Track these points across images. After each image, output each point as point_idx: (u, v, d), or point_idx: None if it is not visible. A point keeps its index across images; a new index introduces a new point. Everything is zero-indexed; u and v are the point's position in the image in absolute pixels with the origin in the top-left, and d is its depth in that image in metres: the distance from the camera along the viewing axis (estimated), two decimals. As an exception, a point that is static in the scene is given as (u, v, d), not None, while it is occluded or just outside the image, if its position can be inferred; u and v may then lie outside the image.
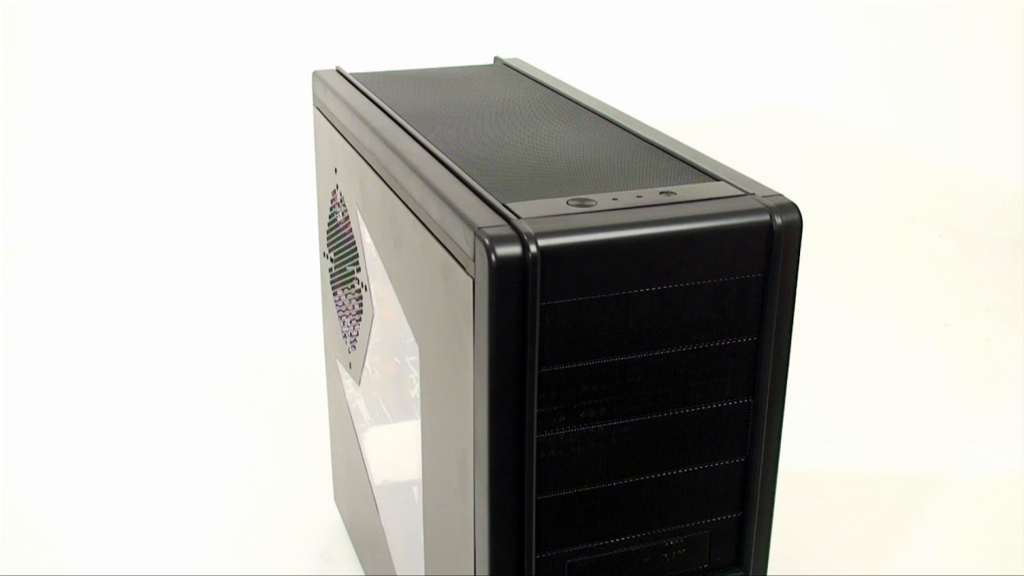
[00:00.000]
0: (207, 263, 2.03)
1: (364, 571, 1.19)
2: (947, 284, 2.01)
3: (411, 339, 0.87)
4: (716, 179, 0.78)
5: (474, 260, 0.69)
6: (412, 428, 0.90)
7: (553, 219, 0.70)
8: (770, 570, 0.84)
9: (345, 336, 1.11)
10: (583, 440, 0.73)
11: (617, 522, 0.76)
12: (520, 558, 0.74)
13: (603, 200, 0.73)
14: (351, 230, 1.03)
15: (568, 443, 0.73)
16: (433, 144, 0.86)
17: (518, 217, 0.70)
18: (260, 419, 1.52)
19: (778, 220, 0.73)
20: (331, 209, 1.10)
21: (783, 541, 1.01)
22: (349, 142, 1.00)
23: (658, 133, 0.90)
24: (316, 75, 1.12)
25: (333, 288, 1.14)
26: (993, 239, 2.20)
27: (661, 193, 0.75)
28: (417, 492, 0.91)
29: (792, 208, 0.74)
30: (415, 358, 0.87)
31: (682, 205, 0.73)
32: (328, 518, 1.29)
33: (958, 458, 1.45)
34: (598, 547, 0.76)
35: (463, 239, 0.71)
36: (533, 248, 0.67)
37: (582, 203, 0.73)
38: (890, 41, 2.68)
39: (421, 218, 0.80)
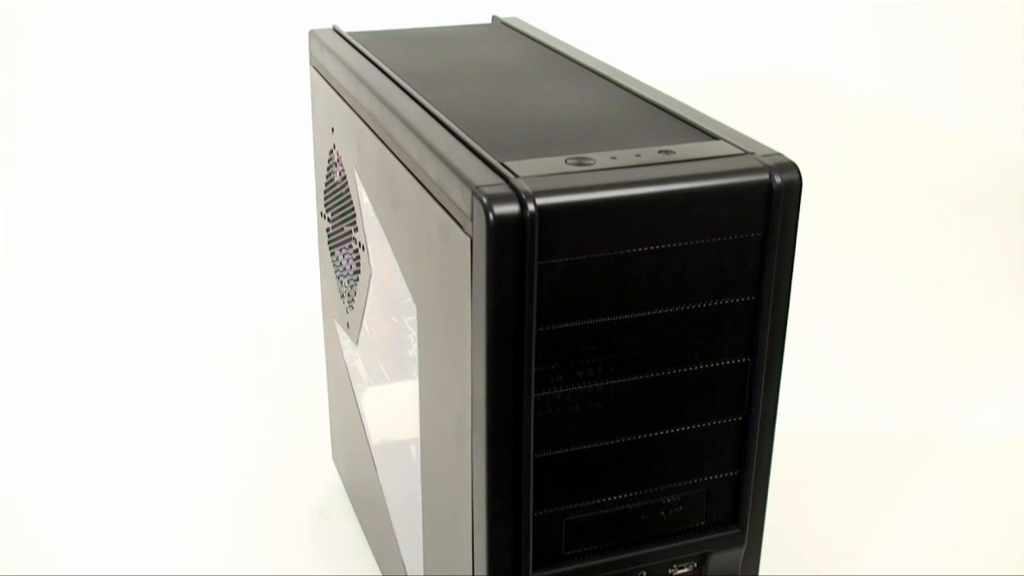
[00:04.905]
0: (204, 224, 2.02)
1: (363, 529, 1.20)
2: (944, 245, 2.01)
3: (409, 299, 0.87)
4: (715, 138, 0.78)
5: (472, 219, 0.69)
6: (410, 388, 0.90)
7: (551, 178, 0.70)
8: (766, 528, 0.85)
9: (343, 296, 1.11)
10: (581, 399, 0.73)
11: (614, 480, 0.76)
12: (518, 516, 0.74)
13: (602, 159, 0.73)
14: (348, 190, 1.03)
15: (566, 402, 0.73)
16: (431, 103, 0.85)
17: (516, 176, 0.70)
18: (258, 379, 1.52)
19: (777, 179, 0.72)
20: (328, 169, 1.10)
21: (780, 500, 1.02)
22: (346, 101, 0.99)
23: (657, 92, 0.90)
24: (313, 34, 1.11)
25: (331, 248, 1.13)
26: (991, 200, 2.19)
27: (660, 152, 0.75)
28: (415, 451, 0.91)
29: (792, 167, 0.73)
30: (413, 318, 0.87)
31: (681, 164, 0.73)
32: (326, 477, 1.29)
33: (954, 419, 1.46)
34: (596, 505, 0.76)
35: (461, 198, 0.71)
36: (531, 207, 0.67)
37: (580, 162, 0.73)
38: (888, 2, 2.66)
39: (419, 177, 0.80)
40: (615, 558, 0.78)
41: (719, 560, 0.82)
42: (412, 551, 0.97)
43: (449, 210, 0.73)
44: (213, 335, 1.64)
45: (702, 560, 0.82)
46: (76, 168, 2.18)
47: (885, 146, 2.43)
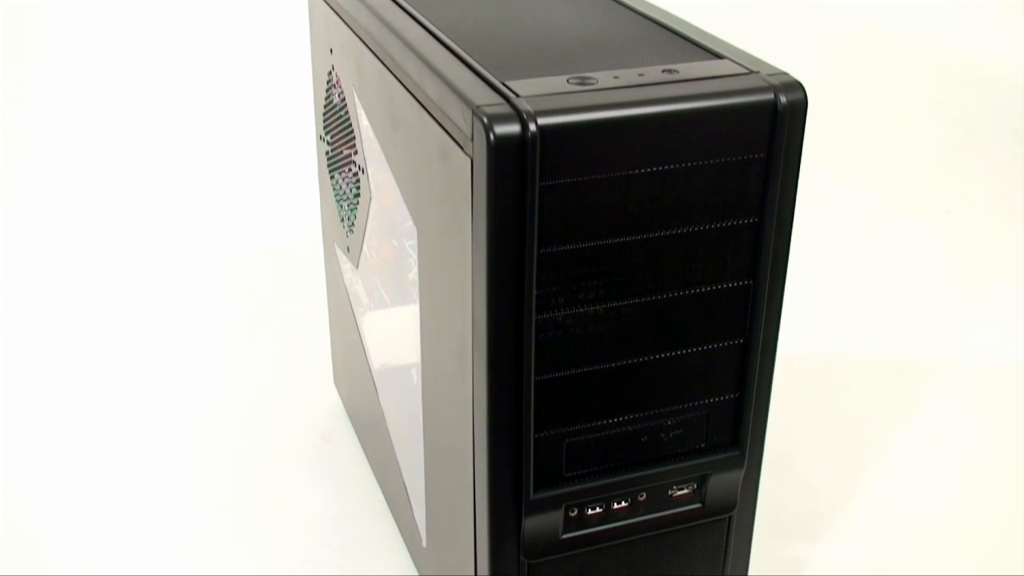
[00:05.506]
0: (204, 149, 2.01)
1: (364, 451, 1.20)
2: (949, 170, 1.99)
3: (409, 222, 0.86)
4: (720, 57, 0.77)
5: (472, 139, 0.68)
6: (411, 311, 0.90)
7: (553, 97, 0.69)
8: (766, 451, 0.85)
9: (343, 220, 1.10)
10: (582, 321, 0.73)
11: (615, 402, 0.76)
12: (519, 437, 0.74)
13: (604, 78, 0.72)
14: (347, 112, 1.02)
15: (567, 324, 0.73)
16: (431, 22, 0.84)
17: (517, 95, 0.69)
18: (259, 303, 1.52)
19: (783, 99, 0.71)
20: (327, 91, 1.08)
21: (780, 423, 1.02)
22: (345, 21, 0.97)
23: (661, 11, 0.88)
24: (310, -49, 1.09)
25: (330, 171, 1.12)
26: (995, 125, 2.18)
27: (663, 71, 0.74)
28: (416, 374, 0.91)
29: (797, 87, 0.72)
30: (413, 242, 0.86)
31: (685, 83, 0.72)
32: (328, 400, 1.30)
33: (956, 344, 1.46)
34: (596, 427, 0.77)
35: (461, 118, 0.70)
36: (532, 127, 0.66)
37: (583, 81, 0.71)
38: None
39: (418, 98, 0.78)
40: (615, 479, 0.79)
41: (718, 482, 0.83)
42: (413, 473, 0.98)
43: (449, 131, 0.72)
44: (215, 260, 1.64)
45: (701, 482, 0.82)
46: (78, 94, 2.16)
47: (891, 69, 2.41)
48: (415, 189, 0.83)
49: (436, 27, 0.83)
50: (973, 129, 2.16)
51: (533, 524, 0.78)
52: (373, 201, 0.98)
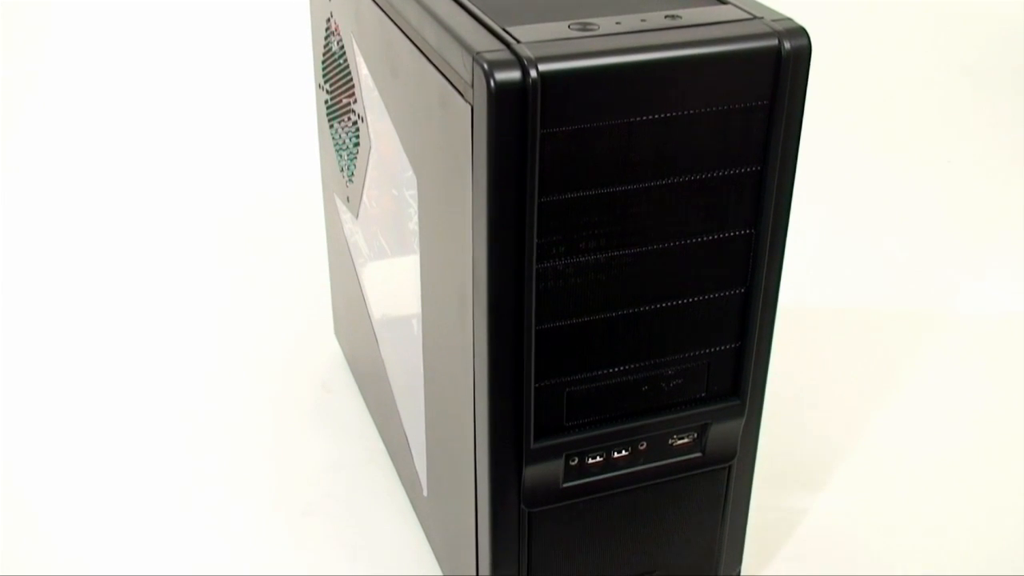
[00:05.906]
0: (201, 98, 1.99)
1: (364, 401, 1.21)
2: (952, 120, 1.98)
3: (409, 172, 0.86)
4: (723, 2, 0.76)
5: (472, 86, 0.68)
6: (411, 261, 0.90)
7: (554, 43, 0.68)
8: (767, 400, 0.85)
9: (342, 170, 1.09)
10: (582, 270, 0.73)
11: (616, 352, 0.76)
12: (519, 386, 0.74)
13: (606, 24, 0.71)
14: (347, 60, 1.01)
15: (567, 273, 0.73)
16: (430, -33, 0.83)
17: (518, 41, 0.68)
18: (259, 254, 1.52)
19: (787, 45, 0.71)
20: (326, 38, 1.07)
21: (781, 373, 1.02)
22: (343, -33, 0.96)
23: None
24: None
25: (330, 120, 1.12)
26: (1000, 75, 2.16)
27: (666, 17, 0.73)
28: (416, 324, 0.91)
29: (801, 33, 0.71)
30: (413, 191, 0.86)
31: (687, 29, 0.71)
32: (329, 351, 1.30)
33: (957, 293, 1.46)
34: (597, 376, 0.77)
35: (461, 65, 0.69)
36: (533, 73, 0.65)
37: (584, 27, 0.71)
38: None
39: (418, 44, 0.78)
40: (615, 428, 0.79)
41: (719, 431, 0.83)
42: (414, 423, 0.98)
43: (449, 78, 0.72)
44: (215, 211, 1.64)
45: (702, 431, 0.82)
46: (75, 45, 2.14)
47: (897, 17, 2.38)
48: (415, 137, 0.83)
49: (435, -28, 0.82)
50: (977, 78, 2.14)
51: (534, 473, 0.78)
52: (373, 150, 0.97)
